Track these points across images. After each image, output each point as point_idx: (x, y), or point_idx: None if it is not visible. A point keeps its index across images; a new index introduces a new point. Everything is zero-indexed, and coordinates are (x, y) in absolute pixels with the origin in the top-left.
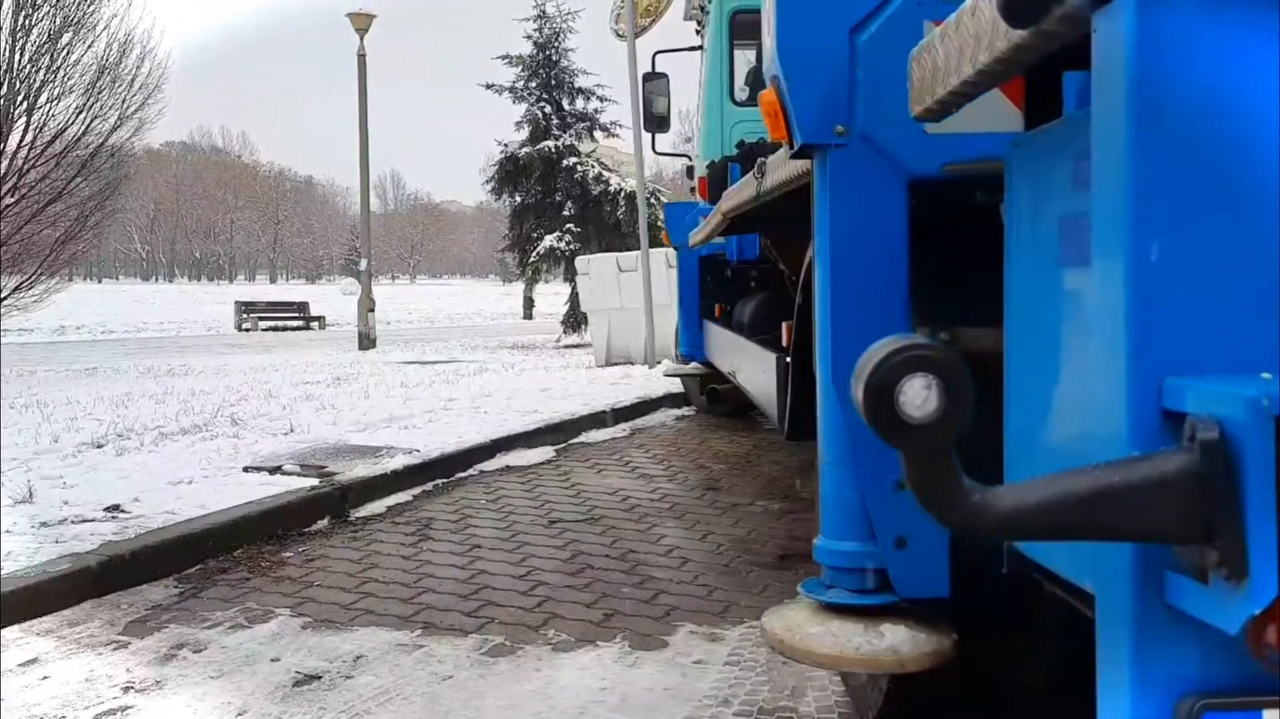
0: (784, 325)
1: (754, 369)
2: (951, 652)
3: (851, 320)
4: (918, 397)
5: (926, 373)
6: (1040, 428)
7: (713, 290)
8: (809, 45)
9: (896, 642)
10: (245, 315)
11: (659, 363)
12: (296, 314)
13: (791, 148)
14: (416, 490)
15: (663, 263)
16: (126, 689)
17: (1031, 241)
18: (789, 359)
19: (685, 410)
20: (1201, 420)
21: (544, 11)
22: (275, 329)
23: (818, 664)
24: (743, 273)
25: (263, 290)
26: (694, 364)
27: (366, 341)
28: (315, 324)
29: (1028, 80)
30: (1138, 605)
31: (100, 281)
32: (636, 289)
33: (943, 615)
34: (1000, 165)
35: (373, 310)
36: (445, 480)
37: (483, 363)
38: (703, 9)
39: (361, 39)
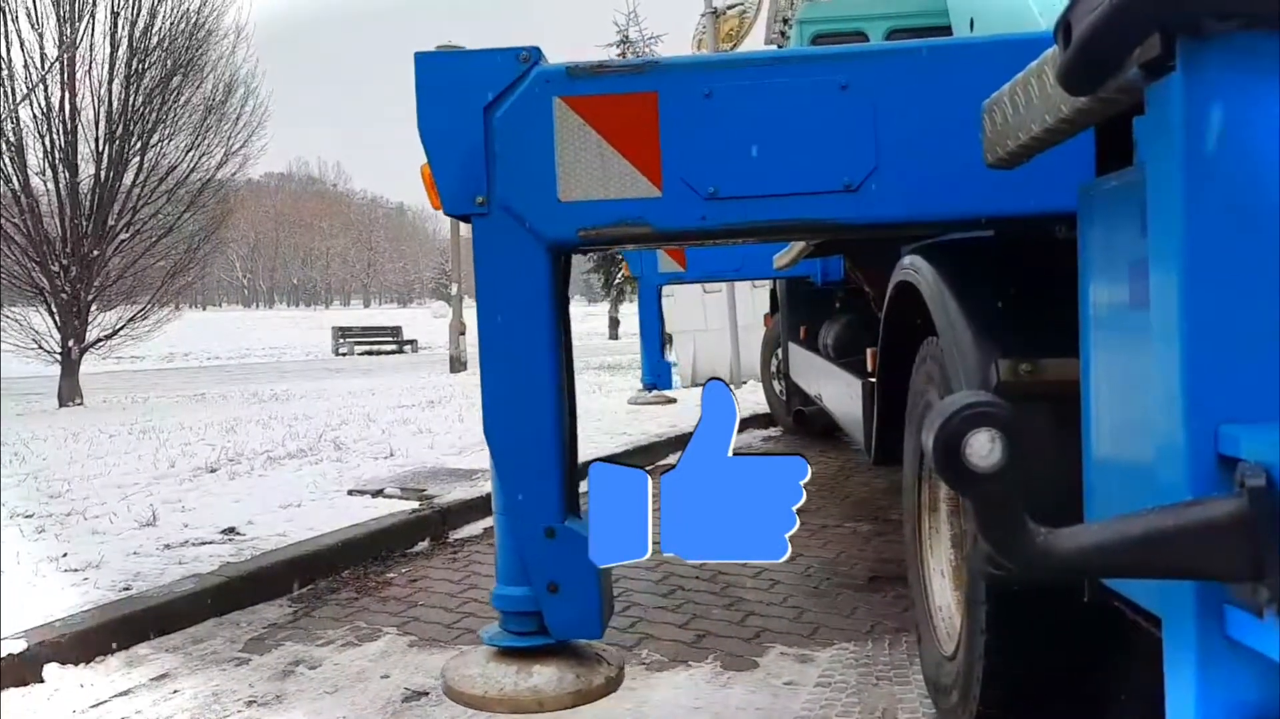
0: (869, 351)
1: (839, 393)
2: (601, 691)
3: (503, 377)
4: (983, 448)
5: (991, 427)
6: (1113, 464)
7: (797, 312)
8: (447, 121)
9: (541, 682)
10: (342, 340)
11: (744, 383)
12: (390, 338)
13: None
14: None
15: (747, 284)
16: (250, 703)
17: (1101, 283)
18: (874, 384)
19: (772, 431)
20: (1250, 467)
21: (627, 37)
22: (370, 353)
23: (467, 705)
24: (827, 295)
25: (357, 315)
26: (655, 393)
27: (458, 364)
28: (408, 348)
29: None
30: (1201, 636)
31: (205, 309)
32: (721, 310)
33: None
34: (633, 229)
35: (463, 333)
36: None
37: None
38: (783, 34)
39: None
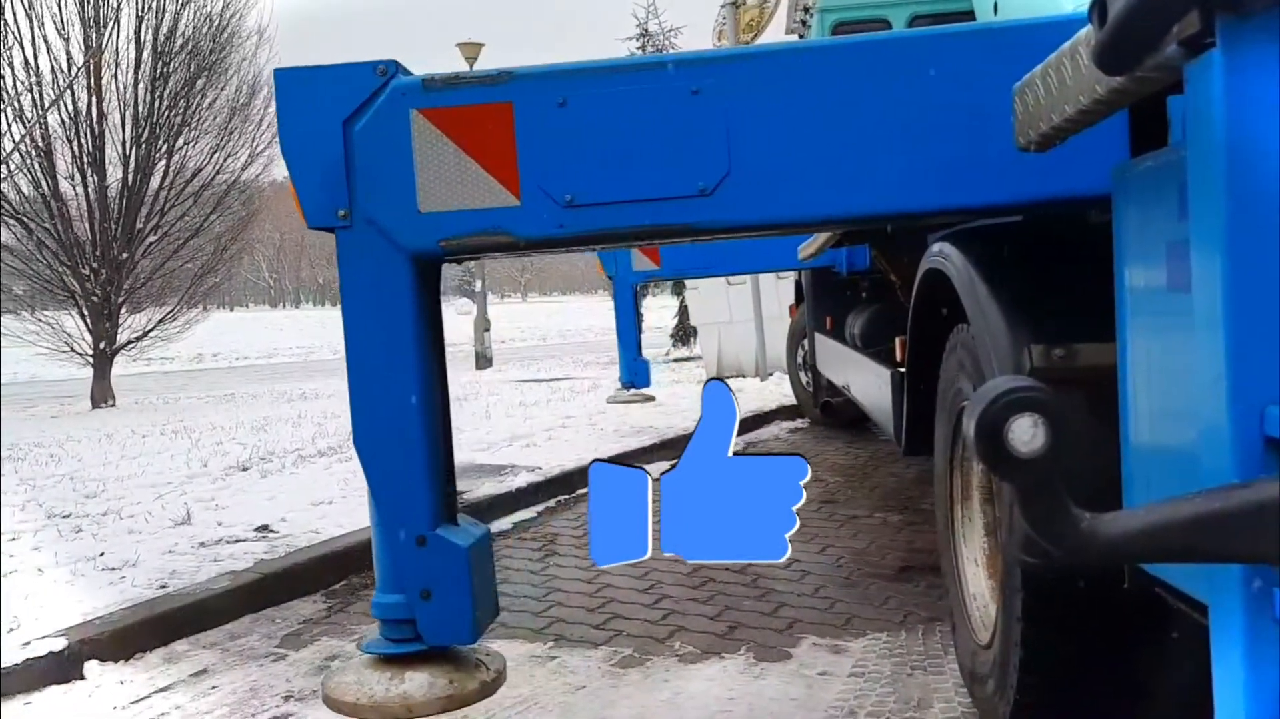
0: (897, 340)
1: (867, 383)
2: (475, 696)
3: (370, 388)
4: (1025, 433)
5: (1033, 412)
6: (1153, 449)
7: (823, 302)
8: (307, 136)
9: (411, 688)
10: None
11: (770, 375)
12: None
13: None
14: (540, 507)
15: (771, 276)
16: (287, 698)
17: (1138, 266)
18: (903, 374)
19: (799, 423)
20: None
21: (646, 30)
22: None
23: (339, 712)
24: (852, 285)
25: None
26: (633, 391)
27: (483, 361)
28: None
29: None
30: (1249, 620)
31: (232, 310)
32: (745, 302)
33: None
34: (494, 238)
35: (488, 330)
36: (567, 496)
37: (595, 379)
38: (804, 23)
39: (471, 68)
